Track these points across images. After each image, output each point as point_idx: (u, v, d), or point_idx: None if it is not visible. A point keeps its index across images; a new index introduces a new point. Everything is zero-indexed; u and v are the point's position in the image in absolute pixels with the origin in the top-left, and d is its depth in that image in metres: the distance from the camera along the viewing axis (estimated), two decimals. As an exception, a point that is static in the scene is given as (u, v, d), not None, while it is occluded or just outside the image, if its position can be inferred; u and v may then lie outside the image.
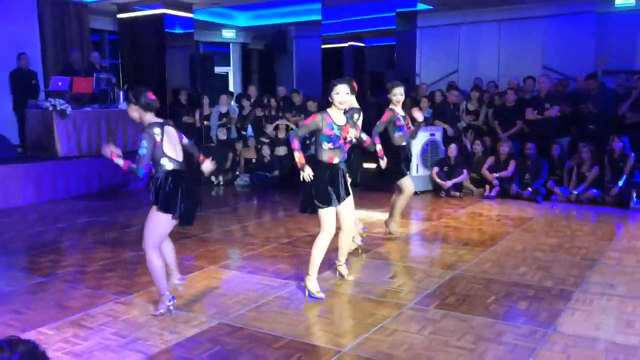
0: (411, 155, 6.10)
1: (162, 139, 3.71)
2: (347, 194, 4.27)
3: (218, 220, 7.26)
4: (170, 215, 3.77)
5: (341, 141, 4.13)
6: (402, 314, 3.89)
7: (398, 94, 5.57)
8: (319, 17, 9.91)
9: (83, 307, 4.08)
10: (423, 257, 5.47)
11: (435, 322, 3.74)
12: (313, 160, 4.17)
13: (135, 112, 3.79)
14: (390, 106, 5.66)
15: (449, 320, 3.76)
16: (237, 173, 10.10)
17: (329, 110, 4.17)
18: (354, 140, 4.31)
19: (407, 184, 5.85)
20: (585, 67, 10.19)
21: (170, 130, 3.83)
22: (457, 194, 8.47)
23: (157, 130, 3.70)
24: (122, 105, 9.97)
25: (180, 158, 3.83)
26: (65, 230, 6.67)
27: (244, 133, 10.76)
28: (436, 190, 8.65)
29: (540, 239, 5.93)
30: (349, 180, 4.47)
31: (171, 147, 3.78)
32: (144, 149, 3.66)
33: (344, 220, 4.37)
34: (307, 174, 4.07)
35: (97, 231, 6.59)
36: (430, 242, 5.95)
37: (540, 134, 8.59)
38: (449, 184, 8.43)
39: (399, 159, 5.71)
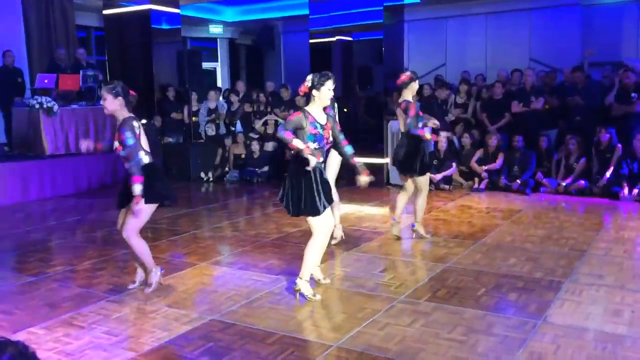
0: (427, 152, 5.71)
1: (139, 133, 4.03)
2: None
3: (208, 217, 7.25)
4: (156, 205, 4.15)
5: (324, 141, 3.98)
6: (393, 307, 3.91)
7: (416, 87, 5.45)
8: (306, 12, 9.87)
9: (74, 306, 4.06)
10: (413, 250, 5.50)
11: (427, 315, 3.76)
12: (297, 162, 3.91)
13: (116, 105, 4.03)
14: (408, 99, 5.38)
15: (440, 312, 3.79)
16: (227, 169, 10.07)
17: (308, 108, 3.97)
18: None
19: (408, 182, 5.63)
20: (571, 59, 10.26)
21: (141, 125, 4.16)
22: (447, 187, 8.51)
23: (136, 124, 4.02)
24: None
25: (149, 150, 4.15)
26: (54, 229, 6.62)
27: (233, 129, 10.72)
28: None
29: (529, 230, 5.98)
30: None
31: (144, 140, 4.10)
32: (131, 139, 3.96)
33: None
34: (314, 161, 3.77)
35: (86, 229, 6.55)
36: (425, 237, 5.96)
37: (528, 126, 8.65)
38: (438, 177, 8.47)
39: (412, 150, 5.42)
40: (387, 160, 9.00)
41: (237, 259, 5.21)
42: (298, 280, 4.06)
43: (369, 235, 5.98)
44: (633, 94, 7.96)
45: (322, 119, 3.99)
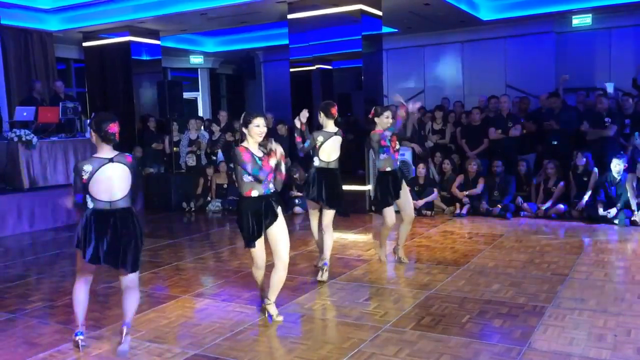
0: (401, 179, 5.68)
1: (87, 178, 3.53)
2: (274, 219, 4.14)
3: (190, 248, 7.18)
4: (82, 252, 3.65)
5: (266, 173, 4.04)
6: (378, 336, 3.89)
7: (384, 117, 5.45)
8: (286, 42, 9.99)
9: (52, 343, 3.97)
10: (397, 277, 5.49)
11: (412, 343, 3.74)
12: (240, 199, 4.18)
13: (94, 139, 3.67)
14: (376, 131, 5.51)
15: (425, 341, 3.78)
16: (209, 199, 10.02)
17: (245, 144, 4.09)
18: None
19: (389, 214, 5.62)
20: (546, 85, 10.51)
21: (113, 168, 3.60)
22: (429, 213, 8.55)
23: (86, 167, 3.55)
24: (89, 134, 9.85)
25: (115, 197, 3.60)
26: (32, 264, 6.50)
27: (214, 158, 10.71)
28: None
29: (511, 255, 6.02)
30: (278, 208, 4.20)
31: (98, 185, 3.56)
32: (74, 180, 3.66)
33: (278, 250, 4.19)
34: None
35: (65, 264, 6.43)
36: (403, 262, 5.96)
37: (507, 151, 8.79)
38: (420, 203, 8.51)
39: (383, 186, 5.53)
40: (368, 187, 9.05)
41: (221, 290, 5.15)
42: (266, 300, 4.27)
43: (352, 262, 5.97)
44: (606, 119, 8.14)
45: (258, 152, 4.12)
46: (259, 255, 4.26)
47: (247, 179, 4.05)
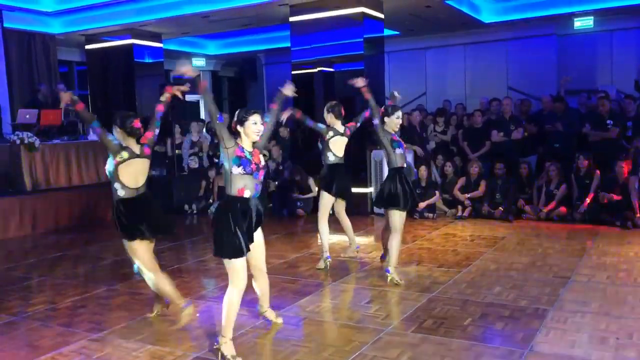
0: (409, 180, 5.37)
1: (122, 163, 4.02)
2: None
3: (192, 250, 7.19)
4: (134, 240, 4.12)
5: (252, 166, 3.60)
6: (380, 339, 3.89)
7: (395, 117, 5.13)
8: (288, 44, 10.00)
9: (54, 346, 3.97)
10: (399, 280, 5.48)
11: (414, 346, 3.74)
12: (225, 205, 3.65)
13: (119, 135, 4.07)
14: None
15: (427, 344, 3.77)
16: (211, 201, 10.02)
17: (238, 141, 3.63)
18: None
19: (397, 218, 5.14)
20: (548, 88, 10.50)
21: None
22: (430, 215, 8.55)
23: (125, 154, 4.02)
24: (92, 136, 9.86)
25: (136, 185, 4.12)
26: (34, 266, 6.50)
27: (217, 160, 10.71)
28: (409, 212, 8.69)
29: (513, 257, 6.01)
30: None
31: (129, 174, 4.08)
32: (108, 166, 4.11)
33: (258, 260, 3.95)
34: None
35: (67, 266, 6.45)
36: (405, 264, 5.96)
37: (508, 153, 8.78)
38: (422, 205, 8.51)
39: (396, 183, 5.12)
40: (370, 189, 9.05)
41: (222, 293, 5.10)
42: (220, 339, 3.65)
43: (354, 265, 5.97)
44: (608, 121, 8.13)
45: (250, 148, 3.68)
46: (244, 268, 3.65)
47: (238, 174, 3.53)
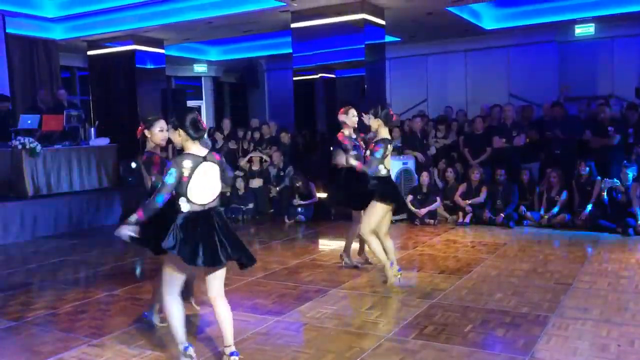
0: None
1: (188, 175, 3.31)
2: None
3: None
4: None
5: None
6: (381, 345, 3.88)
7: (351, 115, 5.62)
8: (289, 50, 10.03)
9: (55, 351, 3.96)
10: (400, 286, 5.47)
11: (415, 353, 3.73)
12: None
13: (176, 138, 3.43)
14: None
15: (428, 351, 3.76)
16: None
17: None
18: None
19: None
20: (549, 94, 10.52)
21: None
22: (432, 221, 8.54)
23: (186, 164, 3.32)
24: (94, 141, 9.89)
25: (209, 199, 3.42)
26: (35, 271, 6.50)
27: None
28: (411, 218, 8.72)
29: (514, 264, 6.00)
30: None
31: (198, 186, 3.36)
32: (167, 178, 3.30)
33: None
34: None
35: (68, 271, 6.44)
36: (406, 270, 5.95)
37: (510, 159, 8.79)
38: (423, 211, 8.50)
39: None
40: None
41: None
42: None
43: (355, 271, 5.96)
44: (610, 128, 8.14)
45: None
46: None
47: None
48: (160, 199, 3.31)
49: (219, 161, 3.48)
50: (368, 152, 5.33)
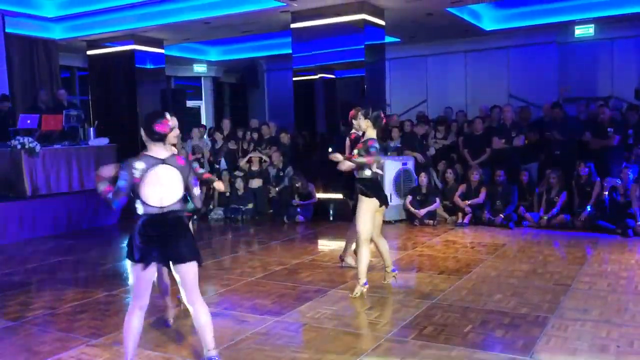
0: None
1: (139, 177, 3.22)
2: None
3: (192, 256, 7.16)
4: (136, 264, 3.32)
5: None
6: (380, 346, 3.87)
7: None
8: (289, 51, 10.03)
9: (53, 351, 3.96)
10: (399, 286, 5.46)
11: (414, 353, 3.72)
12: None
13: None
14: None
15: (427, 351, 3.76)
16: (211, 207, 10.02)
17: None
18: None
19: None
20: (548, 95, 10.53)
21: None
22: (431, 222, 8.54)
23: (138, 165, 3.23)
24: (93, 141, 9.88)
25: (166, 202, 3.30)
26: (34, 271, 6.49)
27: (217, 166, 10.72)
28: (410, 219, 8.71)
29: (514, 265, 6.00)
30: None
31: (148, 187, 3.25)
32: (119, 181, 3.23)
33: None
34: None
35: (67, 271, 6.44)
36: (405, 271, 5.95)
37: (509, 160, 8.79)
38: (422, 212, 8.50)
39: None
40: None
41: (222, 299, 5.14)
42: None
43: (354, 271, 5.94)
44: (609, 129, 8.14)
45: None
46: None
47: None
48: (115, 204, 3.27)
49: (181, 166, 3.33)
50: (356, 151, 5.15)
